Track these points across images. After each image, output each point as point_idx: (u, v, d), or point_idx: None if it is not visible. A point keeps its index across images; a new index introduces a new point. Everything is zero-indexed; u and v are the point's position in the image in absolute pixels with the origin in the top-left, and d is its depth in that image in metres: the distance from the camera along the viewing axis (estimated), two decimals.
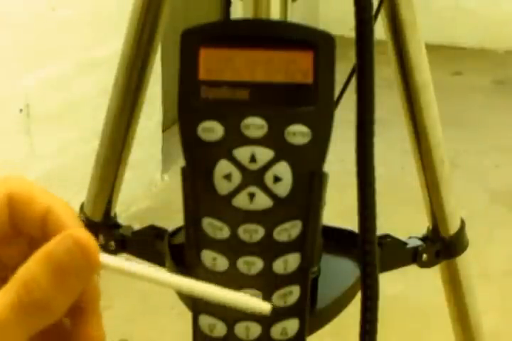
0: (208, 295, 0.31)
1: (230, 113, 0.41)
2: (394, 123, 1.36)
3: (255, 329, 0.45)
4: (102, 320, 0.33)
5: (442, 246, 0.70)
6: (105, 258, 0.30)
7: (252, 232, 0.43)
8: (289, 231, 0.43)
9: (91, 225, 0.72)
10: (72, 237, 0.29)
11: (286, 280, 0.44)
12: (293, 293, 0.45)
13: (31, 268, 0.29)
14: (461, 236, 0.71)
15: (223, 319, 0.45)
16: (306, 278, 0.45)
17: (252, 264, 0.43)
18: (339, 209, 1.18)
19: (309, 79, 0.41)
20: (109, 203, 0.72)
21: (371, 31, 0.44)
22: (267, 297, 0.44)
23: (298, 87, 0.41)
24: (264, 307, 0.31)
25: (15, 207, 0.32)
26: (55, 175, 1.66)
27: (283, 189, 0.42)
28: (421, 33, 0.62)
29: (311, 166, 0.42)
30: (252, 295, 0.44)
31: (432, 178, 0.67)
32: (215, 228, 0.43)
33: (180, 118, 0.42)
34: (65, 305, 0.29)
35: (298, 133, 0.41)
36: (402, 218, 1.81)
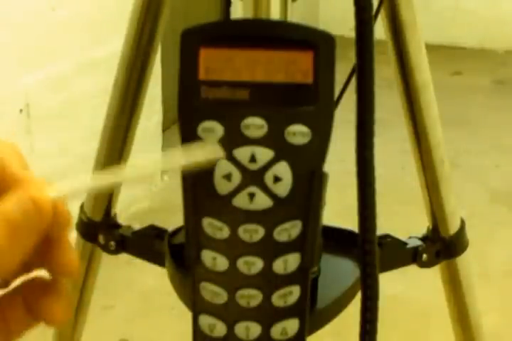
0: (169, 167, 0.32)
1: (230, 113, 0.41)
2: (394, 123, 1.36)
3: (255, 329, 0.45)
4: (72, 248, 0.33)
5: (442, 246, 0.70)
6: (56, 193, 0.31)
7: (252, 232, 0.43)
8: (289, 231, 0.43)
9: (91, 225, 0.72)
10: (28, 199, 0.30)
11: (286, 280, 0.44)
12: (293, 293, 0.45)
13: None
14: (461, 236, 0.71)
15: (223, 319, 0.45)
16: (306, 278, 0.45)
17: (252, 264, 0.43)
18: (339, 209, 1.18)
19: (309, 79, 0.41)
20: (109, 203, 0.72)
21: (371, 31, 0.44)
22: (266, 297, 0.44)
23: (298, 87, 0.41)
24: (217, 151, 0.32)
25: None
26: (55, 175, 1.66)
27: (283, 189, 0.42)
28: (421, 33, 0.62)
29: (311, 166, 0.42)
30: (252, 295, 0.44)
31: (432, 178, 0.67)
32: (215, 228, 0.43)
33: (180, 119, 0.42)
34: (18, 256, 0.30)
35: (298, 133, 0.41)
36: (402, 218, 1.81)
